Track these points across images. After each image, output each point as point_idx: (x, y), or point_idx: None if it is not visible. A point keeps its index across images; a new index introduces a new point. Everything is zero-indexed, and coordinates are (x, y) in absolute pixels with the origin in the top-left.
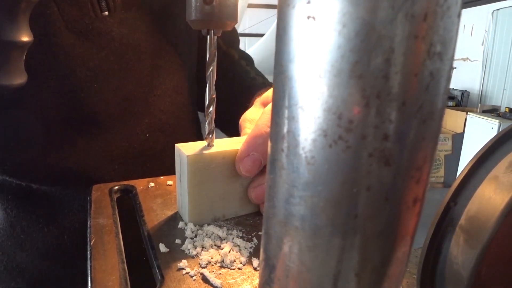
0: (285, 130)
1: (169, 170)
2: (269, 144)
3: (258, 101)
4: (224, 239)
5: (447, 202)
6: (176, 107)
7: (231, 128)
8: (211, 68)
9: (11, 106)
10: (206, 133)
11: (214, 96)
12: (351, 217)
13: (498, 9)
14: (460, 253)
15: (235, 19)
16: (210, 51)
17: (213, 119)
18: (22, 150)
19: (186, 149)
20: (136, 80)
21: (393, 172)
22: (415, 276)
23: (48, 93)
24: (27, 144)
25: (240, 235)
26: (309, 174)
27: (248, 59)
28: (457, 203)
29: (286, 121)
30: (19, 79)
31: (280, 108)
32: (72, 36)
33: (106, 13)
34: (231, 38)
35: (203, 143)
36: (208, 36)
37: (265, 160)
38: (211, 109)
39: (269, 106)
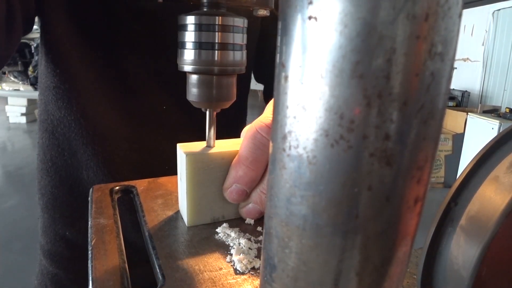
0: (286, 129)
1: (179, 141)
2: (270, 143)
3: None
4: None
5: (448, 202)
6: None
7: None
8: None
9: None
10: (207, 136)
11: (214, 121)
12: (352, 217)
13: (498, 10)
14: (460, 253)
15: (232, 99)
16: (209, 126)
17: (214, 131)
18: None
19: (186, 149)
20: (167, 62)
21: (394, 172)
22: (415, 276)
23: (97, 56)
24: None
25: (248, 236)
26: (310, 174)
27: None
28: (457, 203)
29: (287, 121)
30: None
31: (281, 108)
32: (129, 14)
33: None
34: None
35: (204, 143)
36: (207, 113)
37: (249, 187)
38: (212, 130)
39: (250, 130)
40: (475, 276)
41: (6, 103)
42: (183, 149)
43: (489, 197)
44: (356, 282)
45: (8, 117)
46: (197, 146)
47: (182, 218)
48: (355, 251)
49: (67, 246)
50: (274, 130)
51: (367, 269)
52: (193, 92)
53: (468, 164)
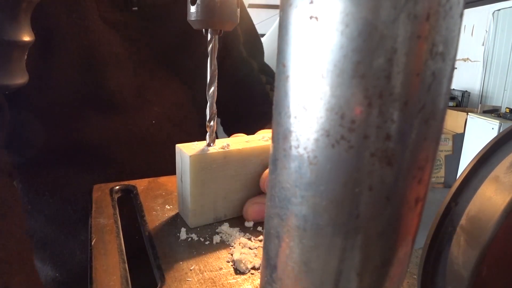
0: (287, 129)
1: (172, 157)
2: (271, 144)
3: None
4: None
5: (448, 202)
6: (186, 100)
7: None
8: (212, 88)
9: (34, 77)
10: (208, 141)
11: (215, 112)
12: (353, 217)
13: (498, 10)
14: (460, 253)
15: (235, 20)
16: (211, 71)
17: (214, 131)
18: (35, 123)
19: (187, 150)
20: (152, 71)
21: (395, 172)
22: (415, 276)
23: (73, 69)
24: (42, 119)
25: (248, 236)
26: (311, 174)
27: (269, 74)
28: (458, 203)
29: (288, 121)
30: (20, 78)
31: (282, 108)
32: (103, 25)
33: (136, 8)
34: (254, 50)
35: (203, 143)
36: (208, 36)
37: None
38: (212, 123)
39: None
40: (475, 276)
41: None
42: (185, 150)
43: (489, 197)
44: (357, 282)
45: None
46: (197, 146)
47: (183, 219)
48: (356, 251)
49: None
50: (275, 130)
51: (367, 269)
52: (192, 10)
53: (468, 164)
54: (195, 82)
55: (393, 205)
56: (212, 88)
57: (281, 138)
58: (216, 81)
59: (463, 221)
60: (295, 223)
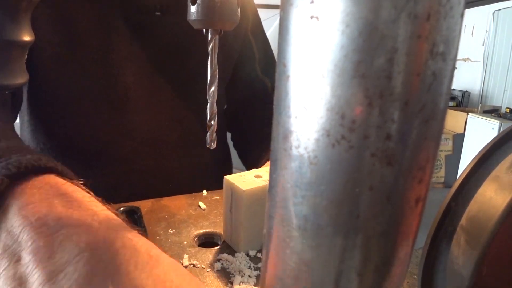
0: (287, 129)
1: (180, 158)
2: (271, 144)
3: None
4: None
5: (448, 202)
6: (198, 103)
7: (248, 159)
8: (212, 88)
9: (54, 69)
10: (208, 141)
11: (215, 111)
12: (353, 217)
13: (499, 10)
14: (460, 253)
15: (236, 19)
16: (211, 71)
17: (214, 131)
18: (51, 115)
19: (239, 183)
20: (165, 73)
21: (395, 172)
22: (416, 276)
23: (91, 62)
24: (58, 111)
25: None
26: (311, 174)
27: None
28: (458, 203)
29: (289, 121)
30: (20, 78)
31: (282, 108)
32: (125, 24)
33: (159, 13)
34: (267, 66)
35: (249, 173)
36: (209, 35)
37: None
38: (212, 122)
39: None
40: (475, 276)
41: None
42: (237, 184)
43: (489, 197)
44: (357, 282)
45: None
46: (246, 178)
47: (232, 246)
48: (356, 251)
49: None
50: (275, 130)
51: (368, 269)
52: (193, 10)
53: (469, 164)
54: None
55: (394, 205)
56: (212, 88)
57: (281, 138)
58: (217, 81)
59: (463, 221)
60: (295, 223)
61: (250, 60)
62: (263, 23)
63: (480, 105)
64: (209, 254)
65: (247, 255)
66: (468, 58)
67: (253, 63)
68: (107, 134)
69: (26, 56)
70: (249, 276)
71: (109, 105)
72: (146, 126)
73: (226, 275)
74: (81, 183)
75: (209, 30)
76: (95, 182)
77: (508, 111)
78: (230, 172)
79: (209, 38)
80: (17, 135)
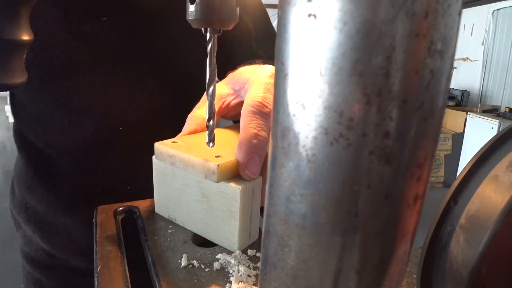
0: (286, 127)
1: (146, 157)
2: (270, 141)
3: (228, 77)
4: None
5: (447, 201)
6: (162, 104)
7: None
8: (212, 87)
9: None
10: (207, 140)
11: (214, 111)
12: (351, 215)
13: (498, 9)
14: (460, 252)
15: (235, 18)
16: (210, 70)
17: (213, 130)
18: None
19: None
20: (119, 81)
21: (394, 170)
22: (415, 275)
23: (38, 79)
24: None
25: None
26: (310, 172)
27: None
28: (457, 202)
29: (287, 119)
30: (20, 78)
31: (281, 106)
32: (70, 38)
33: (105, 18)
34: (265, 42)
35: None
36: (208, 35)
37: (262, 157)
38: (211, 122)
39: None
40: (475, 275)
41: (6, 103)
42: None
43: (489, 196)
44: (356, 281)
45: (7, 116)
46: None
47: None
48: (355, 250)
49: (47, 256)
50: (274, 128)
51: (366, 267)
52: (192, 9)
53: (468, 163)
54: (175, 86)
55: (392, 203)
56: (212, 87)
57: (279, 136)
58: (216, 80)
59: (462, 220)
60: (294, 221)
61: (244, 38)
62: None
63: (479, 104)
64: (208, 253)
65: (246, 254)
66: (467, 58)
67: (250, 42)
68: (64, 141)
69: (25, 56)
70: (248, 275)
71: (59, 115)
72: (100, 131)
73: (224, 274)
74: None
75: (208, 29)
76: (95, 182)
77: (507, 111)
78: None
79: (208, 38)
80: None
